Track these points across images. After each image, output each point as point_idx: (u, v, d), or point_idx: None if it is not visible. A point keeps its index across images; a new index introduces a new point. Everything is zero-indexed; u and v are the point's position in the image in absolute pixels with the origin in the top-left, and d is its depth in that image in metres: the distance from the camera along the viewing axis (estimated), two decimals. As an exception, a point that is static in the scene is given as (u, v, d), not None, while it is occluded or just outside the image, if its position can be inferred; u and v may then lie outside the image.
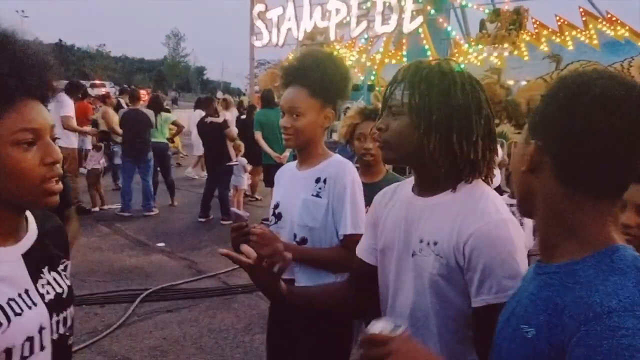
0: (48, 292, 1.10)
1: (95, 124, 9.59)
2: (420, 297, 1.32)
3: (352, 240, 1.80)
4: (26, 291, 1.05)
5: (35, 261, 1.10)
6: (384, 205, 1.51)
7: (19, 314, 1.00)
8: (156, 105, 8.88)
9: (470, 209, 1.26)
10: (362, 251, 1.57)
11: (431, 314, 1.31)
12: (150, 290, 5.00)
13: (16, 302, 1.01)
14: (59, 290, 1.13)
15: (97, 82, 42.82)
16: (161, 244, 6.59)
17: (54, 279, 1.14)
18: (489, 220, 1.23)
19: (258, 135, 7.61)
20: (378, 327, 0.99)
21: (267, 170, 7.81)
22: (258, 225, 1.82)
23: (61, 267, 1.19)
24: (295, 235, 2.00)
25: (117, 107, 10.19)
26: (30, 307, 1.04)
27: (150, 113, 8.31)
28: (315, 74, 1.95)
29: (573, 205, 0.90)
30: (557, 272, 0.91)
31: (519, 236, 1.26)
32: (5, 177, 0.99)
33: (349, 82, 2.09)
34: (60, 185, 1.06)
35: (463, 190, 1.32)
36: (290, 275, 1.96)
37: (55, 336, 1.09)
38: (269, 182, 7.84)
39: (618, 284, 0.81)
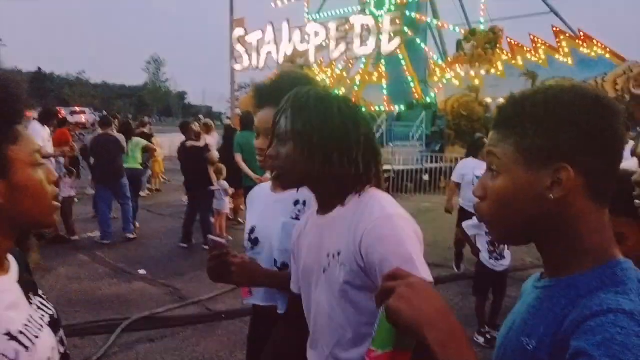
0: (43, 315, 1.13)
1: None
2: (334, 311, 1.38)
3: None
4: (30, 316, 1.07)
5: (25, 287, 1.11)
6: (298, 236, 1.62)
7: (37, 337, 1.04)
8: (126, 130, 8.82)
9: (361, 214, 1.35)
10: (293, 284, 1.65)
11: (346, 324, 1.37)
12: (131, 319, 4.88)
13: (29, 327, 1.04)
14: (49, 312, 1.16)
15: (77, 109, 42.58)
16: (142, 271, 6.48)
17: (41, 303, 1.16)
18: (376, 218, 1.32)
19: (238, 157, 7.57)
20: None
21: (248, 192, 7.75)
22: (239, 254, 1.78)
23: (40, 291, 1.20)
24: (275, 261, 1.91)
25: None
26: (40, 330, 1.07)
27: (121, 137, 8.19)
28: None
29: (595, 220, 0.90)
30: (559, 285, 0.91)
31: (406, 226, 1.34)
32: (25, 198, 1.03)
33: None
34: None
35: (353, 200, 1.40)
36: (272, 302, 1.91)
37: (58, 356, 1.14)
38: (250, 205, 7.77)
39: (620, 293, 0.81)
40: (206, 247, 7.26)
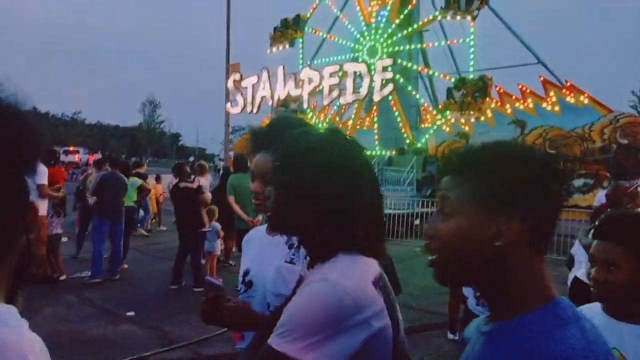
0: None
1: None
2: None
3: None
4: None
5: None
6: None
7: None
8: (125, 170, 8.95)
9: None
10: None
11: None
12: (118, 362, 4.82)
13: None
14: None
15: (71, 148, 42.71)
16: (130, 313, 6.40)
17: None
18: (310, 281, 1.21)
19: (231, 199, 7.61)
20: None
21: (240, 234, 7.76)
22: (233, 298, 1.78)
23: None
24: (269, 305, 1.87)
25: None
26: None
27: (131, 181, 8.50)
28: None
29: (533, 266, 0.96)
30: (504, 328, 0.95)
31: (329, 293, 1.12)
32: (35, 233, 1.02)
33: None
34: None
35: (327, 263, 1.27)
36: None
37: None
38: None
39: (566, 333, 0.87)
40: (197, 290, 7.26)
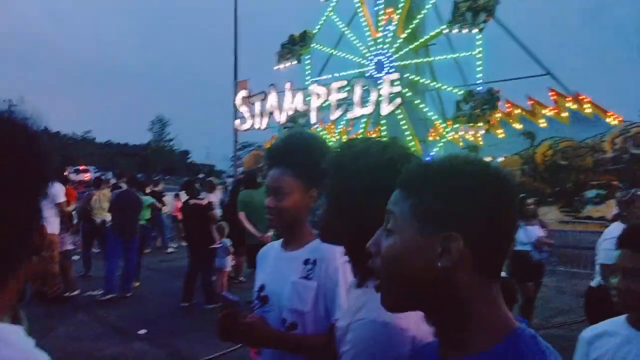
0: None
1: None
2: None
3: None
4: None
5: None
6: None
7: None
8: (138, 188, 9.09)
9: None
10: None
11: None
12: (130, 380, 4.80)
13: None
14: None
15: (81, 167, 43.01)
16: (142, 331, 6.39)
17: None
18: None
19: (242, 215, 7.62)
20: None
21: (251, 250, 7.75)
22: (250, 315, 1.78)
23: None
24: (284, 320, 1.88)
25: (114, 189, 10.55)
26: None
27: (143, 199, 8.76)
28: (301, 155, 1.94)
29: (484, 293, 0.89)
30: None
31: None
32: (49, 254, 1.01)
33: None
34: None
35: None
36: None
37: None
38: (253, 263, 7.73)
39: None
40: (208, 307, 7.23)
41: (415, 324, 1.15)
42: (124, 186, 9.30)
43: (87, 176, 39.86)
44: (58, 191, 7.62)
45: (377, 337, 1.14)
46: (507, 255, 0.91)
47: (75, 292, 7.94)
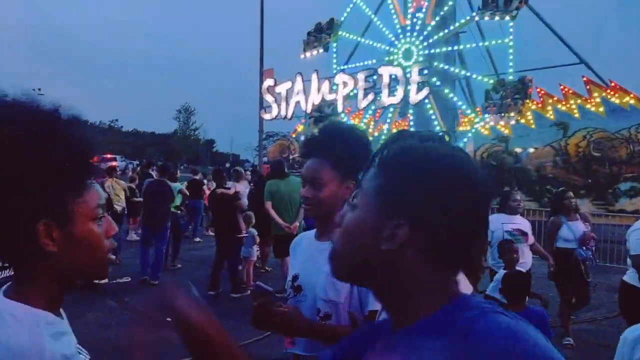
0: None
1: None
2: None
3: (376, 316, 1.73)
4: None
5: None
6: None
7: None
8: (170, 177, 9.23)
9: None
10: None
11: None
12: (158, 368, 4.79)
13: None
14: (89, 358, 1.22)
15: (108, 155, 43.82)
16: (170, 318, 6.41)
17: (79, 350, 1.18)
18: None
19: (268, 205, 7.57)
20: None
21: (277, 240, 7.72)
22: (284, 305, 1.78)
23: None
24: (319, 311, 1.91)
25: (145, 178, 10.95)
26: None
27: (172, 186, 8.81)
28: (338, 147, 1.95)
29: (430, 279, 0.89)
30: (410, 332, 0.88)
31: None
32: (83, 251, 1.06)
33: (370, 154, 2.06)
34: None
35: None
36: (314, 352, 1.86)
37: None
38: (279, 253, 7.73)
39: (494, 321, 0.79)
40: (234, 296, 7.22)
41: None
42: (154, 175, 9.46)
43: (114, 164, 40.67)
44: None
45: None
46: (470, 248, 0.89)
47: (104, 281, 8.02)
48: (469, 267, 0.92)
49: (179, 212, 9.93)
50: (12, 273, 1.66)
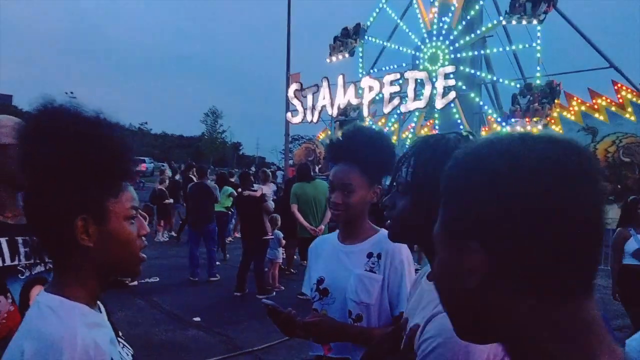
0: (128, 354, 1.23)
1: None
2: None
3: None
4: (120, 353, 1.17)
5: (113, 327, 1.22)
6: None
7: None
8: (221, 180, 10.08)
9: None
10: None
11: None
12: (186, 366, 4.93)
13: None
14: (131, 352, 1.26)
15: (137, 158, 44.54)
16: (197, 319, 6.56)
17: (124, 344, 1.25)
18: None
19: (294, 207, 7.68)
20: None
21: (303, 243, 7.81)
22: (315, 315, 1.85)
23: (121, 333, 1.28)
24: (350, 313, 1.91)
25: (188, 181, 11.16)
26: None
27: (214, 187, 9.35)
28: (367, 152, 1.94)
29: (542, 321, 0.64)
30: None
31: None
32: (117, 248, 1.13)
33: (395, 158, 2.06)
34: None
35: None
36: (345, 354, 1.91)
37: None
38: (305, 256, 7.82)
39: None
40: (260, 297, 7.34)
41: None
42: (194, 178, 9.95)
43: (142, 166, 41.26)
44: None
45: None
46: (587, 264, 0.64)
47: (134, 283, 8.21)
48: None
49: (229, 212, 10.53)
50: (42, 269, 1.80)
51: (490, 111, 14.82)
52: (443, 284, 0.74)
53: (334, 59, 17.92)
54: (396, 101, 14.50)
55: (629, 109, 12.68)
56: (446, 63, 14.72)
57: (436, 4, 15.74)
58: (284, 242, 8.40)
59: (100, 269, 1.13)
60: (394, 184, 1.34)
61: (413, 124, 16.54)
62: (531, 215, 0.61)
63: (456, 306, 0.72)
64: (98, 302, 1.21)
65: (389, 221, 1.35)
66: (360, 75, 17.18)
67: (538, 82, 12.97)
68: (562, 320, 0.63)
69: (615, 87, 12.97)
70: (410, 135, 15.95)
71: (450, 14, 15.32)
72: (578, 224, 0.61)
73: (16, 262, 1.73)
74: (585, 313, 0.64)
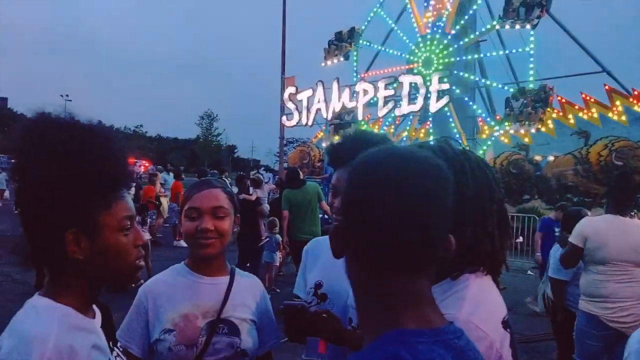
0: None
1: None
2: None
3: None
4: None
5: (106, 334, 1.20)
6: None
7: None
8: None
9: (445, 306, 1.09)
10: None
11: None
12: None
13: None
14: None
15: (132, 161, 44.39)
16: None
17: (118, 354, 1.25)
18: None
19: (285, 213, 7.64)
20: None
21: (295, 246, 7.79)
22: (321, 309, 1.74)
23: (118, 344, 1.30)
24: (350, 320, 1.81)
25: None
26: None
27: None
28: None
29: (372, 286, 0.91)
30: None
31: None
32: (111, 258, 1.12)
33: None
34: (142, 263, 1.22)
35: (446, 282, 1.23)
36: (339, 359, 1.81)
37: None
38: (297, 259, 7.82)
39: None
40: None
41: (493, 329, 1.14)
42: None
43: (142, 168, 41.15)
44: None
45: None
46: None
47: (140, 282, 8.18)
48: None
49: None
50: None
51: (484, 115, 14.91)
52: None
53: (328, 62, 18.01)
54: (390, 105, 14.58)
55: (622, 113, 12.80)
56: (440, 67, 14.82)
57: (430, 8, 15.85)
58: (286, 247, 8.32)
59: (92, 278, 1.13)
60: None
61: (408, 127, 16.62)
62: (364, 215, 0.87)
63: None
64: (95, 308, 1.20)
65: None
66: (354, 79, 17.27)
67: (531, 86, 13.07)
68: (383, 288, 0.87)
69: (608, 92, 13.10)
70: (405, 139, 16.03)
71: (444, 19, 15.42)
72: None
73: None
74: (403, 285, 0.86)
